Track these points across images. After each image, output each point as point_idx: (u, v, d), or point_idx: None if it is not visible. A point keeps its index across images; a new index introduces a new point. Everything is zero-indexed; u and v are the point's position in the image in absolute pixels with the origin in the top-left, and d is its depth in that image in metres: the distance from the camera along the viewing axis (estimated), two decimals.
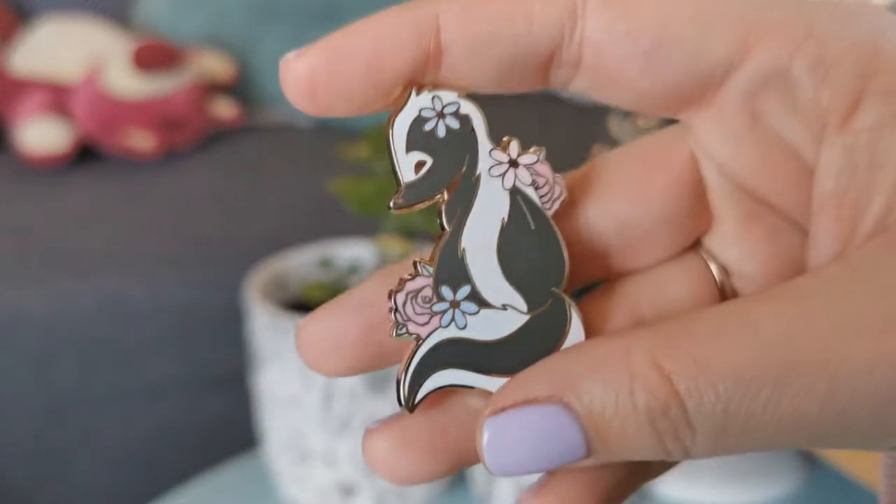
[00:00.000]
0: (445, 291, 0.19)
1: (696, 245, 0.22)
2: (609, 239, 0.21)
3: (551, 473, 0.20)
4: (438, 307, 0.19)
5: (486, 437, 0.18)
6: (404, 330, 0.19)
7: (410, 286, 0.19)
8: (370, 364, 0.20)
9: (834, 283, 0.17)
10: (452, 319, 0.19)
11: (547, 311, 0.19)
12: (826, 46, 0.18)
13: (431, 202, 0.19)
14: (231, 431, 0.92)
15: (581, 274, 0.21)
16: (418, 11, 0.18)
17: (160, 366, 0.99)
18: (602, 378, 0.17)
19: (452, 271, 0.19)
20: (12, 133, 1.21)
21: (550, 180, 0.19)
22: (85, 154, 1.20)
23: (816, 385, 0.16)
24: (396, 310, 0.19)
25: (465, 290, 0.19)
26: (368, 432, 0.20)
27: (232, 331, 0.88)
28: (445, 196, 0.19)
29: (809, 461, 0.70)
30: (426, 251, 0.20)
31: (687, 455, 0.18)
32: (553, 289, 0.19)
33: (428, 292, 0.19)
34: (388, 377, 0.63)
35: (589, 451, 0.18)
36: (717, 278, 0.22)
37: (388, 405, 0.63)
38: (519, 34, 0.18)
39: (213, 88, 1.29)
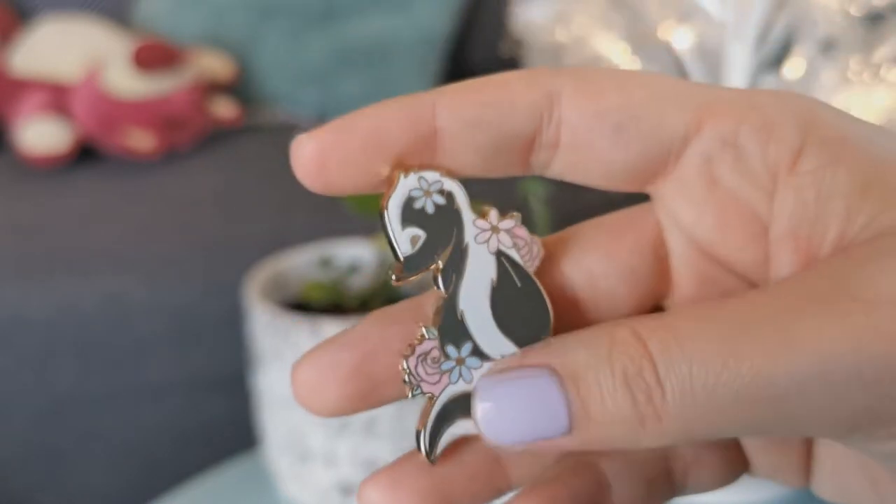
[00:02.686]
0: (451, 350, 0.21)
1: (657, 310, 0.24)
2: (580, 291, 0.23)
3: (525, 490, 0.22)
4: (446, 366, 0.21)
5: (479, 399, 0.20)
6: (419, 390, 0.21)
7: (420, 350, 0.21)
8: (361, 399, 0.22)
9: (801, 278, 0.20)
10: (460, 375, 0.21)
11: None
12: (768, 114, 0.21)
13: (427, 270, 0.21)
14: (231, 431, 0.92)
15: (563, 323, 0.23)
16: (417, 99, 0.21)
17: (160, 366, 0.99)
18: (586, 345, 0.19)
19: (455, 331, 0.21)
20: (12, 133, 1.21)
21: (528, 241, 0.22)
22: (85, 154, 1.20)
23: (775, 352, 0.18)
24: (410, 373, 0.21)
25: (468, 348, 0.21)
26: (363, 485, 0.22)
27: (232, 331, 0.88)
28: (440, 264, 0.21)
29: None
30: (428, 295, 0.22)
31: (660, 427, 0.19)
32: (542, 336, 0.22)
33: (436, 353, 0.21)
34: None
35: (571, 425, 0.19)
36: None
37: (387, 405, 0.63)
38: (504, 116, 0.21)
39: (213, 88, 1.29)
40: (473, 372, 0.21)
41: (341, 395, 0.22)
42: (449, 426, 0.22)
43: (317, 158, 0.21)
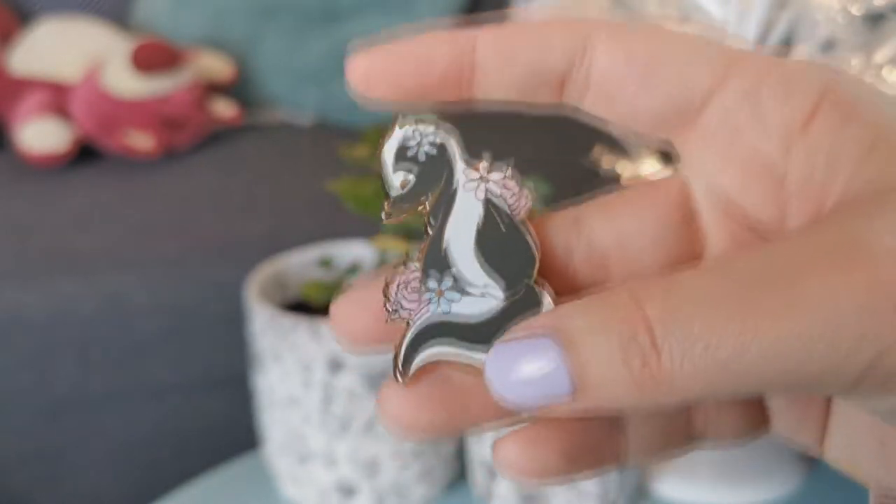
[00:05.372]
0: (431, 282, 0.23)
1: None
2: (609, 250, 0.24)
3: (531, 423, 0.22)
4: (426, 295, 0.22)
5: (489, 362, 0.20)
6: (396, 315, 0.22)
7: (401, 278, 0.23)
8: (374, 329, 0.23)
9: (805, 233, 0.20)
10: (438, 305, 0.22)
11: (521, 297, 0.23)
12: (789, 73, 0.22)
13: (415, 212, 0.23)
14: (231, 432, 0.92)
15: (589, 277, 0.24)
16: (461, 33, 0.23)
17: (160, 366, 0.99)
18: (585, 311, 0.20)
19: (437, 264, 0.23)
20: (12, 133, 1.21)
21: (516, 191, 0.23)
22: (85, 154, 1.20)
23: (779, 314, 0.18)
24: (389, 299, 0.22)
25: (448, 281, 0.23)
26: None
27: (232, 331, 0.88)
28: (428, 207, 0.23)
29: (809, 461, 0.70)
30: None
31: (659, 391, 0.19)
32: (525, 279, 0.23)
33: (416, 283, 0.22)
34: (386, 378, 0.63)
35: (573, 389, 0.19)
36: None
37: None
38: (539, 55, 0.23)
39: (213, 88, 1.29)
40: (452, 304, 0.22)
41: (366, 323, 0.23)
42: (424, 349, 0.23)
43: (366, 75, 0.23)
